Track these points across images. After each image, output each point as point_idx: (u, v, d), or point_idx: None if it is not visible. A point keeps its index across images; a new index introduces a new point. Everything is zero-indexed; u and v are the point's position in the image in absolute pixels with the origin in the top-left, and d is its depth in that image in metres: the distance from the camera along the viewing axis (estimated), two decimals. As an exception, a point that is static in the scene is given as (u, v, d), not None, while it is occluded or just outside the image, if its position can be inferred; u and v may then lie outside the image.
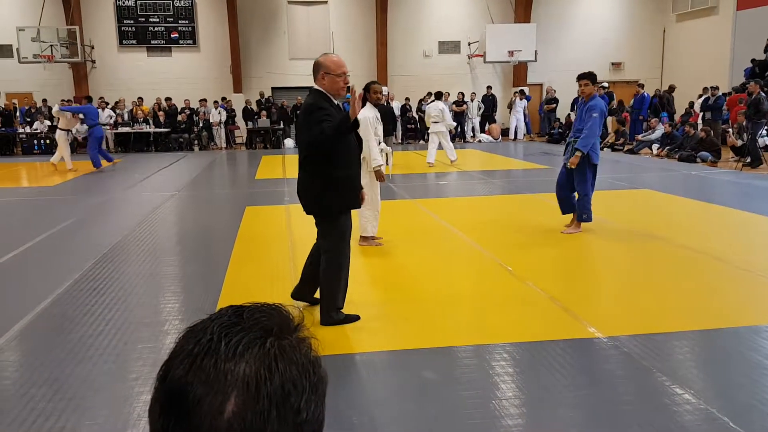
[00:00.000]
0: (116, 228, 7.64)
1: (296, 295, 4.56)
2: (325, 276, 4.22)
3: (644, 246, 6.40)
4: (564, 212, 7.13)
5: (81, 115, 13.90)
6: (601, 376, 3.45)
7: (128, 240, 7.01)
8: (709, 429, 2.81)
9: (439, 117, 13.25)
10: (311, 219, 4.53)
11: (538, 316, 4.34)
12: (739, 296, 4.76)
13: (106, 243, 6.77)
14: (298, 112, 19.85)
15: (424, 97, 20.52)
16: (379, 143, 6.24)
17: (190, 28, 21.27)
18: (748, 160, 12.75)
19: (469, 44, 22.09)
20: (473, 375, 3.47)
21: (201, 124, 19.86)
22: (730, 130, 14.85)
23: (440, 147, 13.62)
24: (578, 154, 6.65)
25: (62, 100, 18.17)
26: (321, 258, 4.25)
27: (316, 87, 4.29)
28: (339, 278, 4.22)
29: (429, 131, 13.89)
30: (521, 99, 20.84)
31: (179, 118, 19.87)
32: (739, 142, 13.55)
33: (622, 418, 2.94)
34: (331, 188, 4.09)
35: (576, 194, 6.92)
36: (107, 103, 19.75)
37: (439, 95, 13.90)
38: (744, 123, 13.34)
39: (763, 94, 13.36)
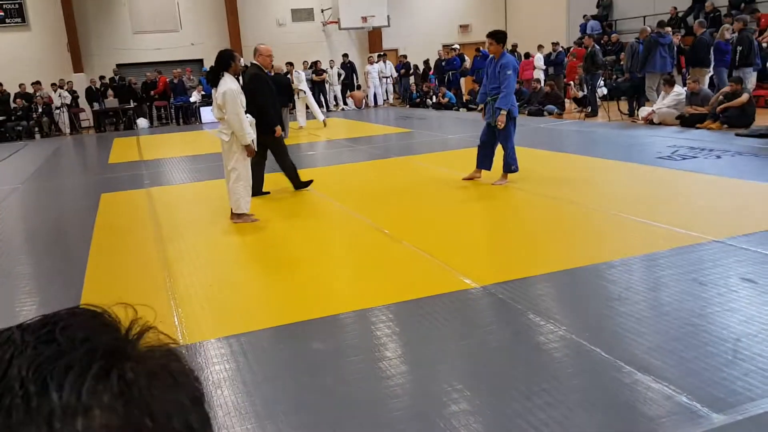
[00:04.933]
0: (-48, 230, 6.87)
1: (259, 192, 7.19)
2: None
3: (504, 197, 6.72)
4: (480, 167, 7.36)
5: None
6: (480, 324, 3.60)
7: (-32, 242, 6.33)
8: (583, 361, 3.02)
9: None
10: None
11: (417, 274, 4.44)
12: (594, 235, 5.14)
13: (-59, 248, 6.07)
14: (154, 90, 18.68)
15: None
16: (246, 114, 6.00)
17: (16, 5, 19.26)
18: (590, 110, 13.73)
19: (323, 11, 21.84)
20: (360, 340, 3.49)
21: (40, 110, 18.17)
22: (572, 83, 15.88)
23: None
24: (503, 113, 6.84)
25: None
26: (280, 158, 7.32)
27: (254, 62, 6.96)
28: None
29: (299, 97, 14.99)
30: (372, 65, 20.93)
31: (14, 104, 18.08)
32: (581, 94, 14.54)
33: (505, 361, 3.09)
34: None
35: (496, 150, 7.21)
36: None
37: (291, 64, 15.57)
38: (583, 75, 14.32)
39: (598, 47, 14.38)
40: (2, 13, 19.22)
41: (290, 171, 7.50)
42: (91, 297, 4.41)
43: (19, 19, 19.39)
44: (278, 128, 6.99)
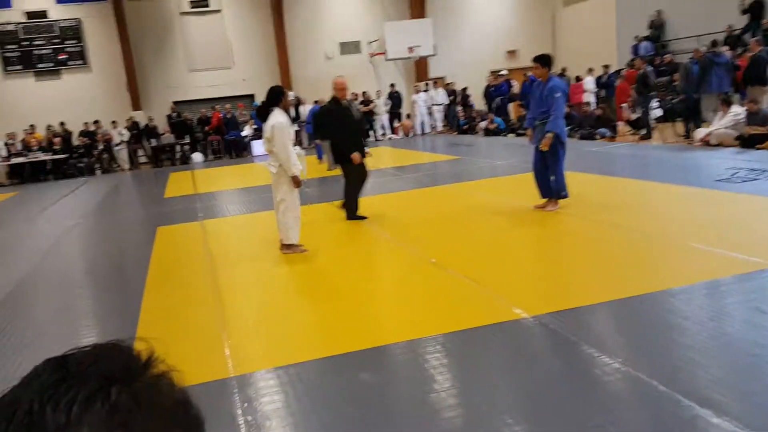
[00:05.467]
0: (18, 265, 7.17)
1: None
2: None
3: (556, 223, 6.60)
4: (543, 196, 7.13)
5: None
6: (531, 356, 3.51)
7: (33, 276, 6.59)
8: (640, 394, 2.90)
9: None
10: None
11: (466, 304, 4.38)
12: (650, 262, 4.98)
13: (8, 282, 6.32)
14: (207, 127, 19.26)
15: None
16: (294, 146, 6.13)
17: (78, 48, 20.25)
18: (644, 132, 13.43)
19: (369, 43, 22.19)
20: (410, 371, 3.45)
21: (101, 147, 18.95)
22: (624, 105, 15.61)
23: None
24: (549, 135, 6.74)
25: None
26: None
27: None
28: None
29: None
30: (418, 93, 21.02)
31: (77, 142, 18.90)
32: (634, 116, 14.26)
33: (558, 394, 3.00)
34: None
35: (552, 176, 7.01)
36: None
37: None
38: (636, 97, 14.06)
39: (650, 68, 14.12)
40: (65, 56, 20.20)
41: (349, 199, 7.63)
42: (147, 328, 4.51)
43: (80, 61, 20.33)
44: (355, 155, 7.31)
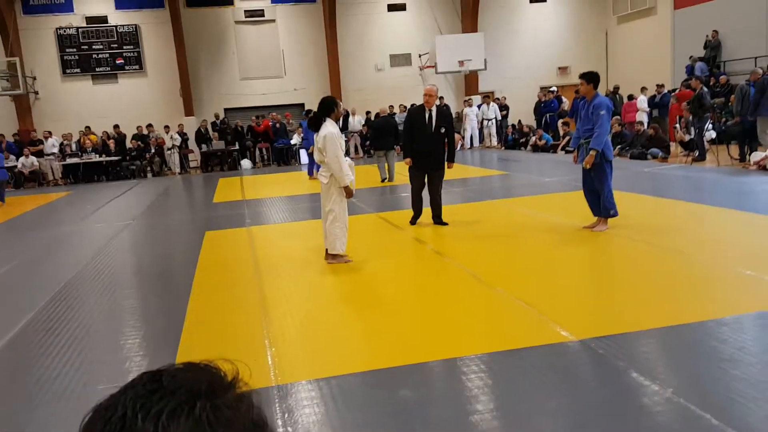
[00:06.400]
0: (70, 263, 7.37)
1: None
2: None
3: (605, 244, 6.46)
4: (595, 214, 7.07)
5: None
6: (578, 381, 3.43)
7: (83, 274, 6.76)
8: (691, 427, 2.80)
9: None
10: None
11: (511, 323, 4.32)
12: (702, 289, 4.83)
13: (59, 279, 6.51)
14: (250, 132, 19.60)
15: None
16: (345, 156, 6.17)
17: (135, 53, 20.87)
18: (697, 154, 13.09)
19: (420, 56, 22.24)
20: (451, 390, 3.40)
21: (153, 150, 19.45)
22: (677, 125, 15.25)
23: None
24: (593, 153, 6.70)
25: None
26: (437, 188, 7.89)
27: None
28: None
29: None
30: (470, 107, 20.94)
31: (130, 144, 19.43)
32: (687, 137, 13.91)
33: (604, 422, 2.91)
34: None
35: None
36: (50, 132, 19.16)
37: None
38: (690, 118, 13.72)
39: (706, 89, 13.77)
40: (122, 61, 20.82)
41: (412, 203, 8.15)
42: (191, 333, 4.58)
43: (137, 67, 20.95)
44: (407, 159, 7.91)
